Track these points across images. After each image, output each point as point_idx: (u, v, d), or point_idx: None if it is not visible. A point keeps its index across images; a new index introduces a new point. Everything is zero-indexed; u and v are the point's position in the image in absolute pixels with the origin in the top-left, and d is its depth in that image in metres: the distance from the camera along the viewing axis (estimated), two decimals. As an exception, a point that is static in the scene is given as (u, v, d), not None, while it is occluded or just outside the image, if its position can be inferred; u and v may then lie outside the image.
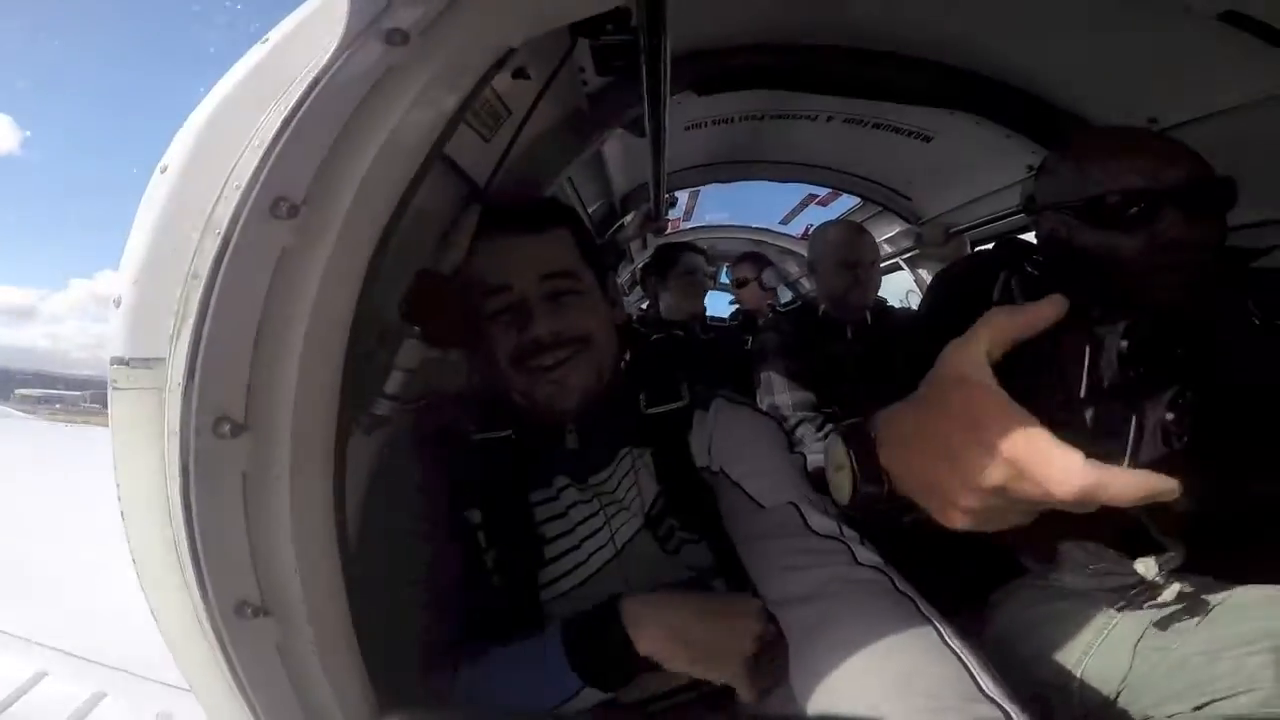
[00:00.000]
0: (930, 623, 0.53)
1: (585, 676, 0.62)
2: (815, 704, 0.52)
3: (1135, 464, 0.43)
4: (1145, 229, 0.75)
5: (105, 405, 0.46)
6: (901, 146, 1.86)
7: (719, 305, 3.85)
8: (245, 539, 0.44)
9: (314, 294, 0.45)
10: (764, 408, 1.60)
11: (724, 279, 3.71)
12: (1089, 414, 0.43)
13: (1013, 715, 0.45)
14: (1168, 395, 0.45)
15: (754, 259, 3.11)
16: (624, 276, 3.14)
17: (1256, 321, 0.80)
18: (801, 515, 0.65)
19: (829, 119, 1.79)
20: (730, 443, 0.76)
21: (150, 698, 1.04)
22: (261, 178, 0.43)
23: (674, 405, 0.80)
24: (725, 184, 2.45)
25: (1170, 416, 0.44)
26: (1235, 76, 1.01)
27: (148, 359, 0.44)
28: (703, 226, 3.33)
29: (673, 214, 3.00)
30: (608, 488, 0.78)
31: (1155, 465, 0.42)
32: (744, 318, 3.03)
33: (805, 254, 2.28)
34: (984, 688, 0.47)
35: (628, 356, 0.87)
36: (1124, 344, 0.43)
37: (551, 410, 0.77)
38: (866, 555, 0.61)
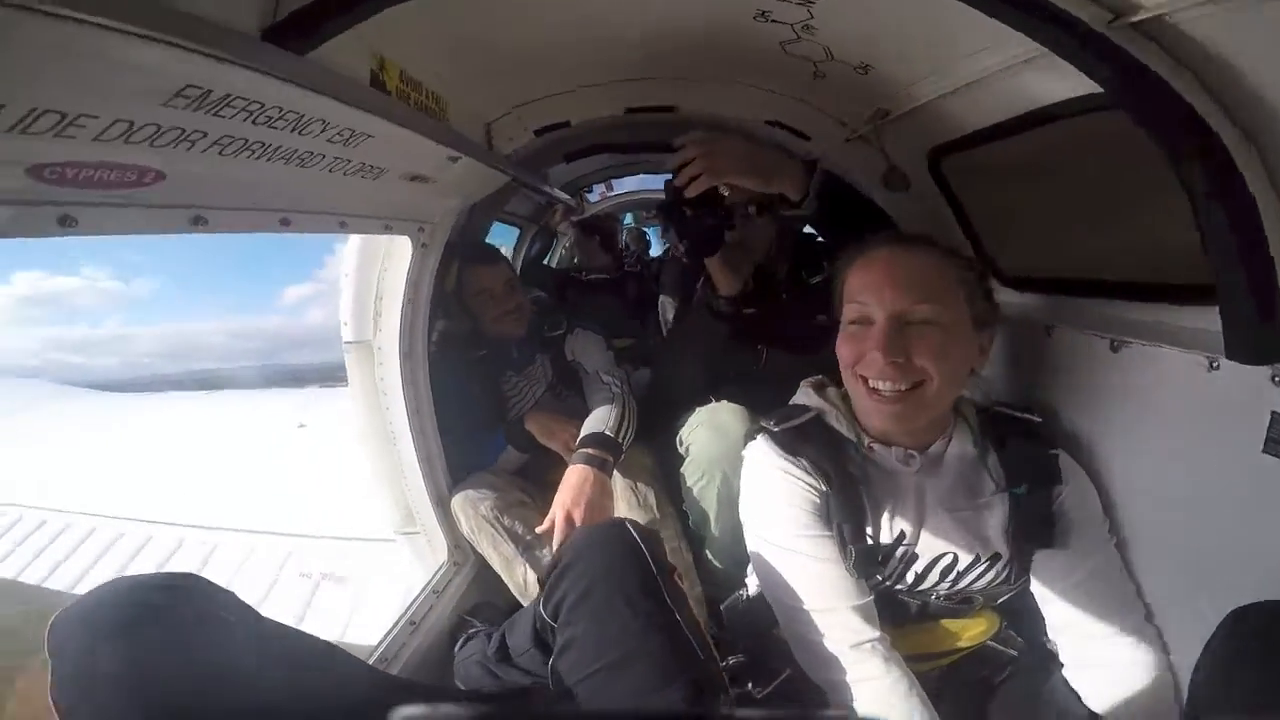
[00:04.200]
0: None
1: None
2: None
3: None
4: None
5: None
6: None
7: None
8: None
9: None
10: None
11: (627, 223, 5.04)
12: None
13: None
14: None
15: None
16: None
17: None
18: (598, 375, 1.97)
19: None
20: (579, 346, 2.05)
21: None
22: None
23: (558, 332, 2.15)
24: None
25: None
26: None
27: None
28: (625, 192, 4.67)
29: (596, 192, 4.36)
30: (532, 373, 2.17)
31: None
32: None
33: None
34: None
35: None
36: None
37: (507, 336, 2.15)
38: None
